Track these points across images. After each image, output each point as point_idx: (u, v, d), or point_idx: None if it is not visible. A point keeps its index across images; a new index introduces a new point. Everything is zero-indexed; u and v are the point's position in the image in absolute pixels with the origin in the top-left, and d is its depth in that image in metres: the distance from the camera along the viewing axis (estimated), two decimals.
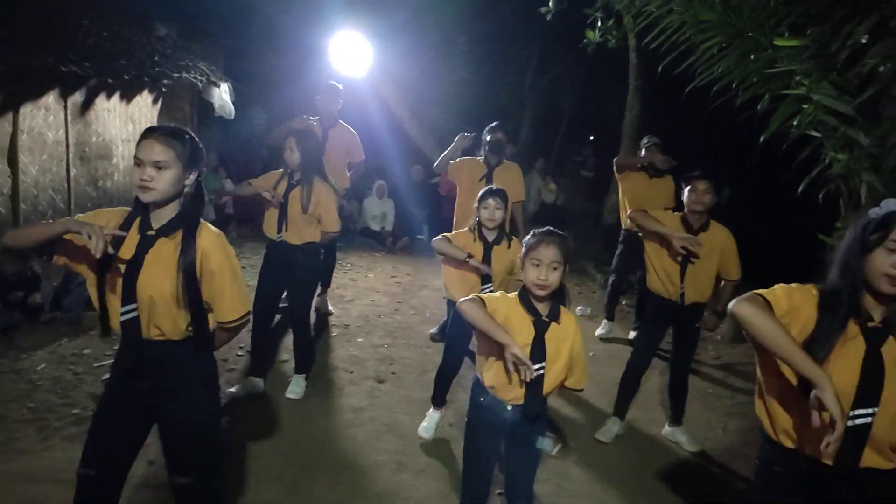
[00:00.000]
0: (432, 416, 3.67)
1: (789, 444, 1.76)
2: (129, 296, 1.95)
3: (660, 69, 4.97)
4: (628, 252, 5.31)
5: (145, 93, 6.65)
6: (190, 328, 2.01)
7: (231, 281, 2.04)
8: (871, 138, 4.22)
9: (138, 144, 1.93)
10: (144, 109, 6.74)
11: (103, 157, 6.09)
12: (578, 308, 6.38)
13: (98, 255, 1.77)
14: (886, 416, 1.63)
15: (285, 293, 4.04)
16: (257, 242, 3.93)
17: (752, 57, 4.42)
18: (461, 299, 2.19)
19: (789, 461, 1.77)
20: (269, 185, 3.80)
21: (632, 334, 5.50)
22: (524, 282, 2.25)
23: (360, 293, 6.35)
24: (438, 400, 3.67)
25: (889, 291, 1.61)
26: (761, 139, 4.39)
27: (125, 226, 1.98)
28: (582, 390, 2.41)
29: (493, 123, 4.87)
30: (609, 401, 3.99)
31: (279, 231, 3.78)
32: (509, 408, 2.28)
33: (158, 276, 1.95)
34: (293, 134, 3.76)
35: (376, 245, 8.55)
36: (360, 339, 5.08)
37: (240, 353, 4.49)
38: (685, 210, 3.57)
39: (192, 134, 2.04)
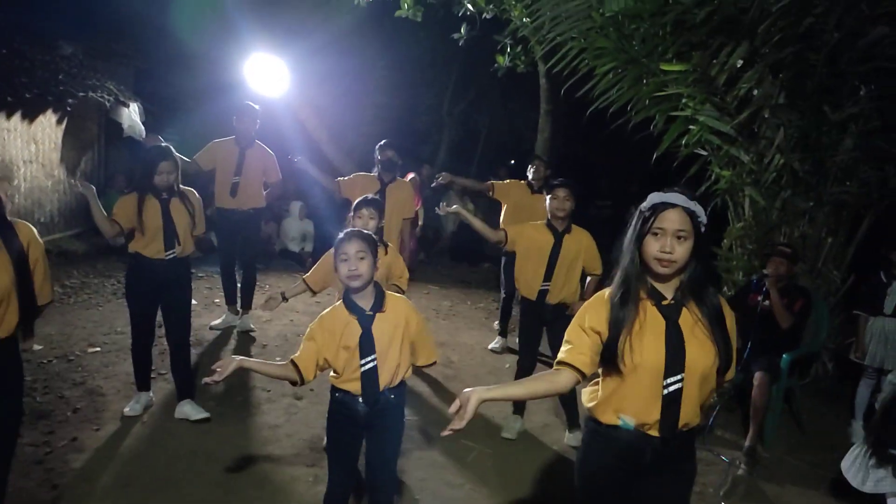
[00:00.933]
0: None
1: (612, 419, 1.95)
2: None
3: (562, 93, 5.29)
4: (511, 265, 5.50)
5: (49, 112, 6.43)
6: (21, 323, 2.09)
7: (47, 266, 2.19)
8: (751, 156, 4.65)
9: None
10: (48, 129, 6.51)
11: (3, 178, 5.83)
12: (496, 322, 6.54)
13: None
14: (693, 379, 1.86)
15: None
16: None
17: (645, 81, 4.78)
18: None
19: (611, 432, 1.95)
20: (130, 214, 3.59)
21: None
22: (340, 280, 2.39)
23: (279, 313, 6.28)
24: None
25: (661, 271, 1.84)
26: (653, 157, 4.75)
27: None
28: (435, 363, 2.58)
29: (384, 141, 5.03)
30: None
31: (168, 248, 3.66)
32: (360, 400, 2.41)
33: None
34: (167, 159, 3.60)
35: (296, 266, 8.48)
36: (278, 358, 5.05)
37: (152, 376, 4.38)
38: (548, 216, 3.84)
39: None
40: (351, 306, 2.37)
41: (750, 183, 4.71)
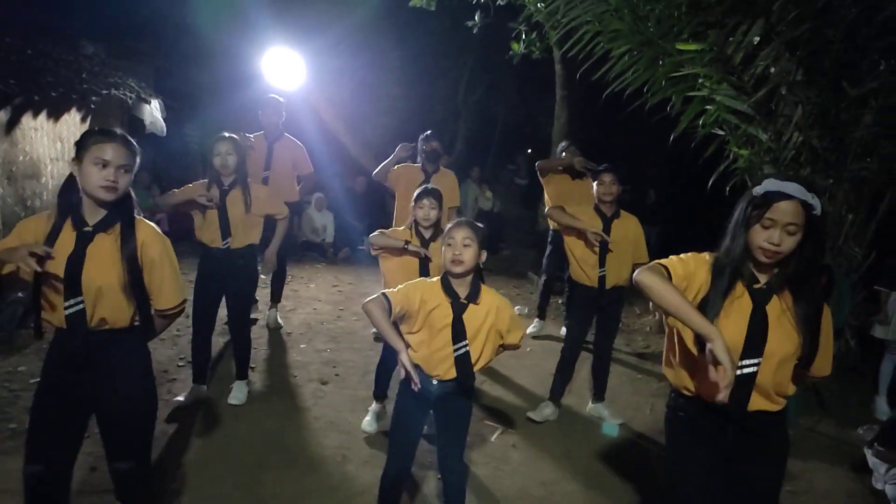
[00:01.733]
0: (374, 410, 3.80)
1: (689, 392, 1.99)
2: (74, 289, 2.04)
3: (578, 76, 5.30)
4: (557, 252, 5.54)
5: (73, 111, 6.56)
6: (136, 318, 2.13)
7: (170, 269, 2.18)
8: (769, 134, 4.63)
9: (99, 145, 2.03)
10: (73, 127, 6.64)
11: (31, 176, 5.97)
12: (517, 307, 6.61)
13: (30, 279, 1.93)
14: (770, 366, 1.86)
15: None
16: (195, 258, 3.97)
17: (661, 62, 4.77)
18: (366, 300, 2.36)
19: (690, 407, 2.01)
20: (196, 194, 3.76)
21: (563, 331, 5.75)
22: (443, 264, 2.44)
23: (302, 302, 6.41)
24: (379, 394, 3.80)
25: (763, 261, 1.83)
26: (671, 138, 4.75)
27: (56, 227, 2.08)
28: (518, 346, 2.60)
29: (427, 132, 5.06)
30: (545, 389, 4.22)
31: (224, 237, 3.78)
32: (435, 382, 2.46)
33: (103, 267, 2.06)
34: (226, 139, 3.76)
35: (317, 257, 8.61)
36: (302, 346, 5.16)
37: (181, 363, 4.51)
38: (596, 201, 3.88)
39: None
40: (448, 290, 2.42)
41: (768, 161, 4.70)
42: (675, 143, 4.94)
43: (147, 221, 2.19)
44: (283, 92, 7.24)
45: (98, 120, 7.18)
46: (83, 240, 2.06)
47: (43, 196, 6.18)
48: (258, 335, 5.32)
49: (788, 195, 1.76)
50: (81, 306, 2.05)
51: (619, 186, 3.86)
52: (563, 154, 5.53)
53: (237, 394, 4.01)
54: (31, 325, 2.13)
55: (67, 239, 2.06)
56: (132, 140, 2.12)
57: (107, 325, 2.10)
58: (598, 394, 4.17)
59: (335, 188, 9.52)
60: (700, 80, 4.59)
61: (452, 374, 2.44)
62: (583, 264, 3.91)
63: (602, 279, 3.88)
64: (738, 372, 1.83)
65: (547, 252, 5.82)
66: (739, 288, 1.88)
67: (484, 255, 2.48)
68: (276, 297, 5.58)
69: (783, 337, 1.85)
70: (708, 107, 4.71)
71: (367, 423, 3.77)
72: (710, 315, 1.84)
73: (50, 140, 6.26)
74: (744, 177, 4.99)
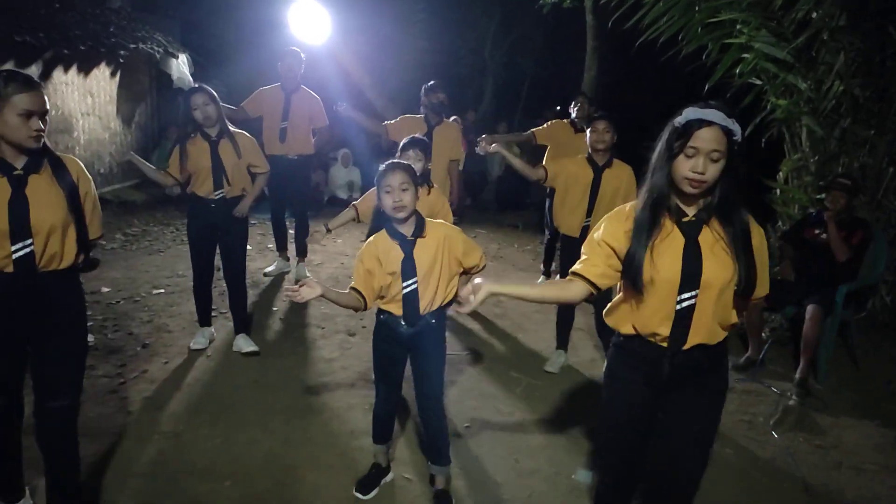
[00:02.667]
0: None
1: (630, 330, 1.98)
2: (23, 232, 2.05)
3: (609, 25, 5.13)
4: None
5: (103, 65, 6.60)
6: (80, 254, 2.19)
7: (96, 201, 2.28)
8: (809, 83, 4.46)
9: (20, 95, 1.98)
10: (103, 82, 6.69)
11: (63, 130, 6.06)
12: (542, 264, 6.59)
13: None
14: (709, 297, 1.84)
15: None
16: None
17: (696, 8, 4.60)
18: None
19: (628, 344, 2.01)
20: (176, 161, 3.81)
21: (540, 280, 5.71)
22: (384, 210, 2.46)
23: (330, 257, 6.47)
24: None
25: (690, 192, 1.80)
26: (706, 87, 4.60)
27: None
28: (483, 266, 2.63)
29: (432, 82, 4.95)
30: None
31: (217, 188, 3.80)
32: (403, 324, 2.54)
33: (49, 207, 2.09)
34: (198, 90, 3.74)
35: None
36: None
37: (214, 314, 4.59)
38: (589, 150, 3.81)
39: None
40: (393, 233, 2.48)
41: (807, 112, 4.54)
42: (710, 95, 4.79)
43: (72, 157, 2.24)
44: (309, 46, 7.18)
45: (127, 74, 7.21)
46: (17, 183, 2.07)
47: (75, 150, 6.28)
48: (286, 288, 5.39)
49: (710, 122, 1.74)
50: (31, 248, 2.07)
51: (614, 135, 3.77)
52: (575, 106, 5.41)
53: (246, 344, 4.07)
54: None
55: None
56: (36, 81, 2.08)
57: (54, 264, 2.14)
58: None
59: (361, 144, 9.48)
60: (738, 27, 4.42)
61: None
62: (569, 214, 3.88)
63: (585, 230, 3.81)
64: (678, 307, 1.84)
65: (547, 205, 5.71)
66: (668, 224, 1.86)
67: (424, 191, 2.53)
68: (301, 252, 5.63)
69: (718, 266, 1.83)
70: (745, 55, 4.55)
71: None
72: (639, 250, 1.84)
73: (80, 95, 6.32)
74: (781, 128, 4.84)
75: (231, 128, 3.89)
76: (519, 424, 3.44)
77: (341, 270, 6.03)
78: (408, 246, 2.46)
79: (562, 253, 4.16)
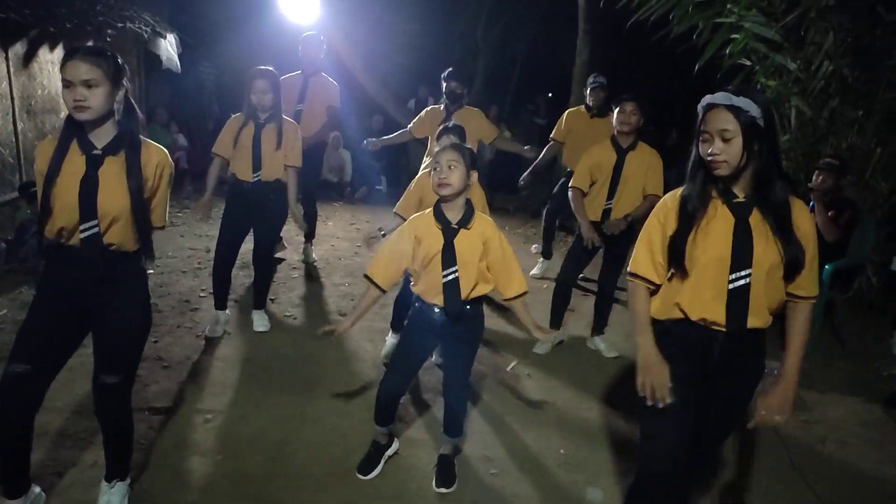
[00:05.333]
0: (391, 341, 3.86)
1: (677, 314, 1.96)
2: (90, 213, 2.06)
3: (601, 4, 5.12)
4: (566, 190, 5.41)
5: (90, 44, 6.52)
6: (138, 241, 2.18)
7: (168, 192, 2.26)
8: (798, 63, 4.47)
9: (63, 66, 1.98)
10: None
11: (50, 110, 5.99)
12: (533, 246, 6.62)
13: None
14: (760, 275, 1.86)
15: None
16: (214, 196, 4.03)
17: None
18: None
19: (677, 328, 1.97)
20: (232, 134, 3.83)
21: None
22: (432, 189, 2.43)
23: (320, 239, 6.44)
24: (396, 325, 3.85)
25: (715, 172, 1.85)
26: (696, 67, 4.60)
27: (61, 148, 2.07)
28: (526, 292, 2.59)
29: (447, 71, 4.93)
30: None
31: (255, 171, 3.82)
32: (437, 310, 2.49)
33: (115, 194, 2.07)
34: (262, 75, 3.74)
35: (335, 196, 8.61)
36: (322, 279, 5.22)
37: (202, 294, 4.59)
38: (615, 131, 3.76)
39: (112, 51, 2.09)
40: (439, 216, 2.43)
41: (797, 92, 4.56)
42: (699, 81, 4.79)
43: (153, 143, 2.20)
44: (299, 27, 7.11)
45: None
46: (94, 163, 2.06)
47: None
48: (278, 270, 5.39)
49: (714, 104, 1.83)
50: (97, 230, 2.08)
51: (640, 117, 3.73)
52: (589, 90, 5.37)
53: (261, 321, 4.12)
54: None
55: (77, 162, 2.06)
56: (99, 50, 2.02)
57: (114, 247, 2.13)
58: (598, 327, 4.18)
59: (352, 127, 9.44)
60: (728, 7, 4.42)
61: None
62: (591, 195, 3.84)
63: (606, 213, 3.82)
64: (731, 286, 1.86)
65: (559, 184, 5.69)
66: (717, 205, 1.89)
67: (474, 176, 2.47)
68: (310, 235, 5.64)
69: (767, 247, 1.85)
70: (735, 35, 4.55)
71: (385, 353, 3.83)
72: (685, 232, 1.88)
73: None
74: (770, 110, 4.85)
75: (283, 116, 3.88)
76: (509, 402, 3.47)
77: (331, 252, 6.02)
78: (450, 234, 2.41)
79: (577, 236, 4.06)
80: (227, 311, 4.15)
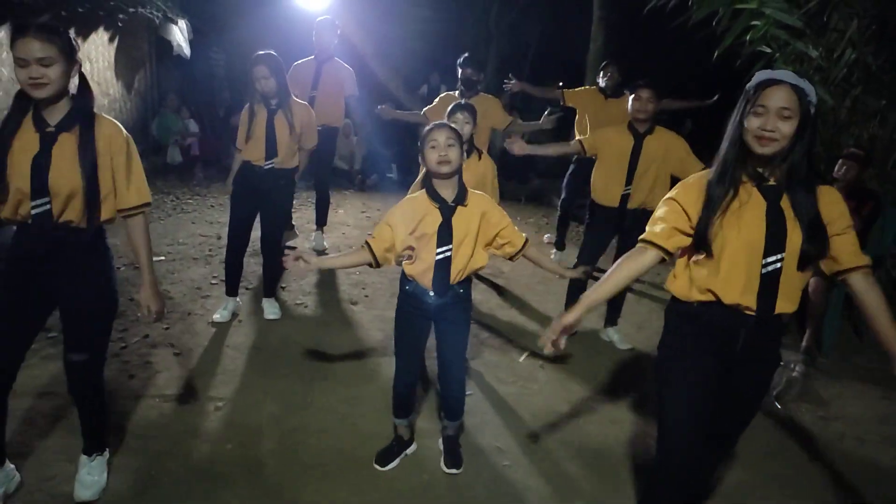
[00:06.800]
0: None
1: (708, 297, 1.91)
2: (41, 190, 2.04)
3: None
4: (579, 172, 5.34)
5: (101, 30, 6.49)
6: (96, 218, 2.15)
7: (135, 165, 2.19)
8: (820, 51, 4.37)
9: (14, 43, 1.93)
10: (101, 48, 6.58)
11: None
12: (545, 236, 6.56)
13: None
14: (791, 259, 1.82)
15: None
16: (223, 183, 4.01)
17: None
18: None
19: (703, 313, 1.92)
20: (245, 126, 3.83)
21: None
22: (427, 167, 2.40)
23: (331, 227, 6.40)
24: None
25: (759, 151, 1.78)
26: (715, 55, 4.50)
27: (10, 125, 2.04)
28: (526, 240, 2.58)
29: (463, 57, 4.86)
30: None
31: (269, 158, 3.80)
32: (431, 294, 2.46)
33: (68, 170, 2.05)
34: (262, 60, 3.69)
35: (345, 184, 8.58)
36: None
37: (213, 281, 4.58)
38: (631, 118, 3.71)
39: (64, 27, 2.04)
40: (433, 195, 2.40)
41: (818, 81, 4.43)
42: (716, 70, 4.70)
43: (108, 118, 2.17)
44: (310, 12, 7.06)
45: (125, 40, 7.10)
46: (47, 141, 2.04)
47: None
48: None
49: (778, 80, 1.76)
50: (48, 206, 2.06)
51: (657, 104, 3.67)
52: (603, 75, 5.30)
53: (272, 309, 4.09)
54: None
55: (30, 139, 2.04)
56: (52, 26, 1.96)
57: (73, 224, 2.12)
58: (611, 319, 4.14)
59: (362, 114, 9.36)
60: None
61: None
62: (608, 181, 3.79)
63: (625, 199, 3.77)
64: (763, 270, 1.82)
65: (570, 171, 5.63)
66: (748, 188, 1.84)
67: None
68: (321, 222, 5.62)
69: (795, 231, 1.81)
70: (755, 22, 4.43)
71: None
72: (710, 216, 1.83)
73: None
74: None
75: (294, 98, 3.87)
76: (520, 393, 3.43)
77: (342, 240, 6.00)
78: (447, 211, 2.39)
79: (593, 222, 4.04)
80: (238, 299, 4.13)
